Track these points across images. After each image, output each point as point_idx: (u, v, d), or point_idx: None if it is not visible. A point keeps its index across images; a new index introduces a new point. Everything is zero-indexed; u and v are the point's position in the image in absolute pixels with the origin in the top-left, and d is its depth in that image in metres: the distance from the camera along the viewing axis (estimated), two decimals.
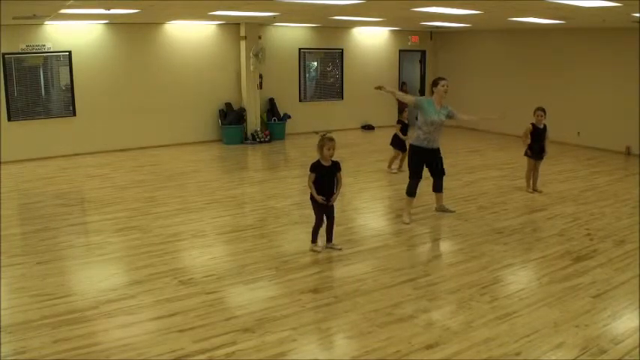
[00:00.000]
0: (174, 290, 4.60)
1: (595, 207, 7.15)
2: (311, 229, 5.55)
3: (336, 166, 5.39)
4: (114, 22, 10.77)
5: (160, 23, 11.44)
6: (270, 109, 12.87)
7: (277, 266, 5.16)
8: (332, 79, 14.19)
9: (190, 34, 11.82)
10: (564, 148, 11.30)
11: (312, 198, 5.38)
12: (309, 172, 5.34)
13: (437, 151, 6.46)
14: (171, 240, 5.93)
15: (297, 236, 5.61)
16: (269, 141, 12.47)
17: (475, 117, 7.36)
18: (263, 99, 12.73)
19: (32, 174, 9.34)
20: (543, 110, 7.58)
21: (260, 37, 12.23)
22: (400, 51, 14.89)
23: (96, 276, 4.96)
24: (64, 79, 10.81)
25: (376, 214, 7.22)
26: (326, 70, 14.14)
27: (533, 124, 7.60)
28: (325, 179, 5.34)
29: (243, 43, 12.15)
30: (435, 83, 6.41)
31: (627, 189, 8.11)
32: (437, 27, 13.27)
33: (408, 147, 6.65)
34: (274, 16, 10.34)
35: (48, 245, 5.76)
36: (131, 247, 5.70)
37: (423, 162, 6.45)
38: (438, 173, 6.58)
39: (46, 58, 10.55)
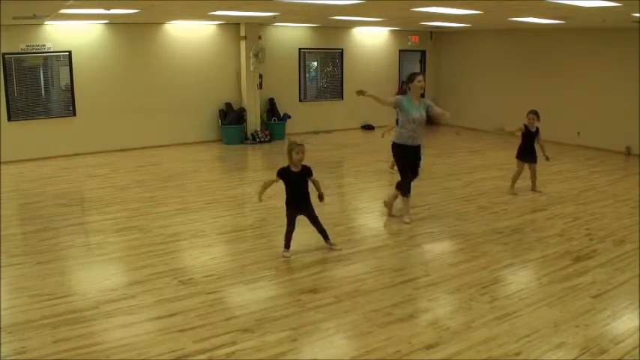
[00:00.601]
0: (174, 290, 4.60)
1: (595, 207, 7.15)
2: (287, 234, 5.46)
3: (306, 172, 5.29)
4: (114, 22, 10.76)
5: (160, 23, 11.44)
6: (270, 109, 12.87)
7: (277, 266, 5.16)
8: (332, 79, 14.19)
9: (190, 34, 11.82)
10: (564, 148, 11.30)
11: (286, 203, 5.33)
12: (274, 176, 5.28)
13: (419, 149, 6.41)
14: (171, 240, 5.93)
15: (296, 236, 5.59)
16: (269, 141, 12.47)
17: (446, 120, 6.80)
18: (263, 99, 12.73)
19: (32, 174, 9.34)
20: (536, 113, 7.57)
21: (260, 37, 12.23)
22: (400, 51, 14.89)
23: (96, 276, 4.96)
24: (64, 79, 10.81)
25: (376, 214, 7.21)
26: (326, 70, 14.14)
27: (525, 126, 7.61)
28: (296, 185, 5.28)
29: (243, 43, 12.15)
30: (410, 79, 6.30)
31: (627, 189, 8.11)
32: (437, 27, 13.27)
33: (392, 148, 6.51)
34: (274, 16, 10.33)
35: (48, 245, 5.76)
36: (131, 247, 5.70)
37: (409, 159, 6.37)
38: (414, 172, 6.48)
39: (46, 58, 10.55)
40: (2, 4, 6.65)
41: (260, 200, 5.40)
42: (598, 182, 8.59)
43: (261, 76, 12.36)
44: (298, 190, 5.30)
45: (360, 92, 6.36)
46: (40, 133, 10.51)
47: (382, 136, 9.44)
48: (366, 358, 3.58)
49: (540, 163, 7.81)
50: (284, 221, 5.43)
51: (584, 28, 11.14)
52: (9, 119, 10.18)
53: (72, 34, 10.56)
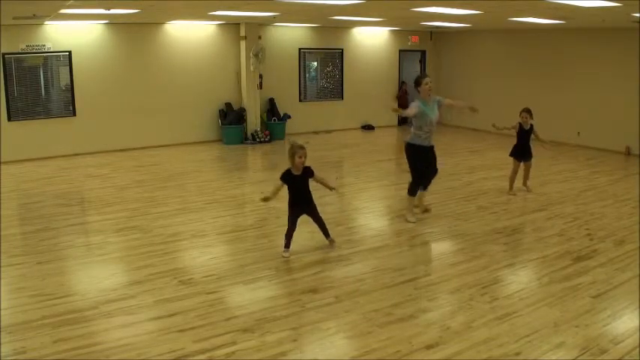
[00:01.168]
0: (174, 290, 4.60)
1: (595, 207, 7.15)
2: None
3: (308, 173, 5.32)
4: (114, 22, 10.77)
5: (160, 23, 11.44)
6: (270, 109, 12.87)
7: (277, 266, 5.16)
8: (332, 79, 14.19)
9: (190, 34, 11.83)
10: (564, 148, 11.30)
11: (289, 205, 5.35)
12: (279, 181, 5.30)
13: (432, 149, 6.49)
14: (171, 240, 5.93)
15: (296, 236, 5.60)
16: (269, 141, 12.47)
17: (460, 103, 7.03)
18: (263, 99, 12.73)
19: (32, 174, 9.34)
20: (528, 112, 7.58)
21: (260, 37, 12.23)
22: (400, 51, 14.90)
23: (96, 276, 4.96)
24: (64, 79, 10.81)
25: (376, 214, 7.21)
26: (326, 70, 14.14)
27: (519, 124, 7.62)
28: (298, 188, 5.31)
29: (243, 43, 12.15)
30: (417, 83, 6.34)
31: (627, 189, 8.11)
32: (437, 27, 13.27)
33: (405, 149, 6.56)
34: (274, 16, 10.33)
35: (48, 245, 5.76)
36: (131, 247, 5.70)
37: (424, 161, 6.43)
38: (433, 169, 6.57)
39: (46, 58, 10.55)
40: (2, 4, 6.65)
41: (266, 201, 5.37)
42: (598, 182, 8.59)
43: (261, 76, 12.36)
44: (300, 193, 5.33)
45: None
46: (40, 133, 10.51)
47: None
48: (366, 358, 3.58)
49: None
50: (284, 221, 5.44)
51: (584, 28, 11.14)
52: (9, 119, 10.18)
53: (72, 34, 10.56)
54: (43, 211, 7.12)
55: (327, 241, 5.61)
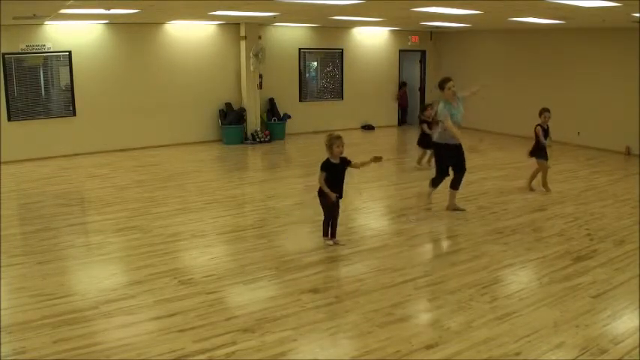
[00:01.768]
0: (174, 290, 4.60)
1: (595, 207, 7.15)
2: (321, 226, 5.73)
3: (345, 163, 5.52)
4: (114, 22, 10.76)
5: (160, 23, 11.44)
6: (270, 109, 12.87)
7: (277, 266, 5.16)
8: (332, 79, 14.19)
9: (190, 34, 11.82)
10: (564, 148, 11.30)
11: (320, 194, 5.51)
12: (319, 171, 5.44)
13: (460, 147, 6.72)
14: (171, 240, 5.93)
15: (297, 236, 5.62)
16: (269, 141, 12.47)
17: (470, 92, 7.16)
18: (263, 99, 12.73)
19: (32, 174, 9.34)
20: (549, 111, 7.60)
21: (260, 37, 12.23)
22: (400, 51, 14.89)
23: (96, 276, 4.96)
24: (64, 79, 10.81)
25: (376, 214, 7.22)
26: (326, 70, 14.14)
27: (541, 125, 7.57)
28: (335, 177, 5.47)
29: (243, 43, 12.15)
30: (441, 86, 6.60)
31: (627, 189, 8.11)
32: (437, 27, 13.27)
33: (433, 146, 6.96)
34: (274, 16, 10.34)
35: (48, 245, 5.76)
36: (131, 247, 5.70)
37: (450, 158, 6.72)
38: (460, 168, 6.78)
39: (46, 58, 10.55)
40: (2, 4, 6.65)
41: (334, 195, 5.44)
42: (598, 182, 8.59)
43: (261, 76, 12.36)
44: (337, 182, 5.49)
45: (451, 129, 6.51)
46: (40, 133, 10.51)
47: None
48: (366, 358, 3.58)
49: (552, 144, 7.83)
50: (284, 221, 5.46)
51: (584, 28, 11.14)
52: (9, 119, 10.18)
53: (72, 34, 10.56)
54: (43, 211, 7.12)
55: (332, 239, 5.68)
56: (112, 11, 8.43)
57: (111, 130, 11.19)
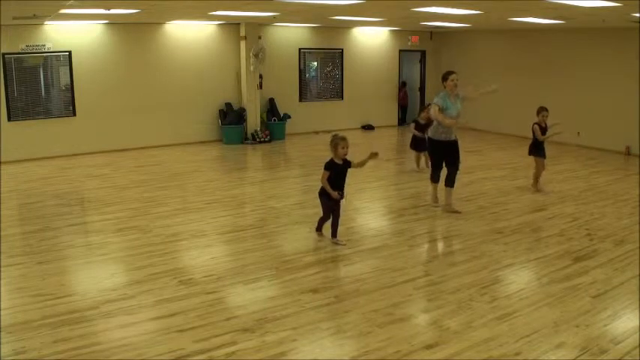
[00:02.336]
0: (174, 290, 4.60)
1: (595, 207, 7.15)
2: (317, 224, 5.82)
3: (347, 164, 5.58)
4: (114, 22, 10.77)
5: (160, 23, 11.44)
6: (270, 109, 12.87)
7: (277, 266, 5.16)
8: (332, 79, 14.19)
9: (190, 34, 11.83)
10: (564, 148, 11.30)
11: (321, 194, 5.56)
12: (323, 170, 5.51)
13: (455, 143, 6.75)
14: (171, 240, 5.93)
15: (297, 236, 5.62)
16: (269, 141, 12.47)
17: (478, 93, 7.16)
18: (263, 99, 12.73)
19: (32, 174, 9.34)
20: (547, 110, 7.61)
21: (260, 37, 12.23)
22: (400, 51, 14.90)
23: (96, 276, 4.96)
24: (64, 79, 10.81)
25: (376, 214, 7.22)
26: (326, 70, 14.14)
27: (539, 124, 7.58)
28: (338, 177, 5.53)
29: (243, 43, 12.15)
30: (444, 78, 6.64)
31: (627, 189, 8.11)
32: (437, 27, 13.27)
33: (427, 143, 7.04)
34: (274, 16, 10.33)
35: (48, 245, 5.76)
36: (131, 247, 5.70)
37: (443, 154, 6.78)
38: (453, 164, 6.78)
39: (46, 58, 10.55)
40: (2, 4, 6.65)
41: (336, 193, 5.49)
42: (598, 182, 8.59)
43: (261, 76, 12.36)
44: (340, 182, 5.55)
45: (441, 116, 6.50)
46: (40, 133, 10.51)
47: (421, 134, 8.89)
48: (366, 358, 3.58)
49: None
50: (284, 221, 5.46)
51: (584, 28, 11.14)
52: (9, 119, 10.18)
53: (72, 34, 10.56)
54: (43, 211, 7.12)
55: (332, 238, 5.71)
56: (112, 11, 8.43)
57: (111, 130, 11.19)
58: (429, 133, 6.88)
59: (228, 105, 12.37)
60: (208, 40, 12.08)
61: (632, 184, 8.44)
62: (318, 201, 5.62)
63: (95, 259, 5.41)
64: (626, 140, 10.93)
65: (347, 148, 5.49)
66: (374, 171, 9.49)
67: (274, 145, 12.25)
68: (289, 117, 12.93)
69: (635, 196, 7.66)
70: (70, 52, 10.61)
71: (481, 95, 7.13)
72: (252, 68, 12.06)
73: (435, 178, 7.03)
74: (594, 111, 11.45)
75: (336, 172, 5.52)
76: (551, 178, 8.69)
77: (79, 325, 3.98)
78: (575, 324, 3.97)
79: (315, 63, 14.02)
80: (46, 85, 10.77)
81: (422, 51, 15.25)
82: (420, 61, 15.43)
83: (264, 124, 12.71)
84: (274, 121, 12.75)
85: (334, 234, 5.70)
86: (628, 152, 10.94)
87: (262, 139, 12.37)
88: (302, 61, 13.50)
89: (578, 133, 11.76)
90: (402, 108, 15.46)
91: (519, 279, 4.91)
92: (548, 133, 7.50)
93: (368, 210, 7.33)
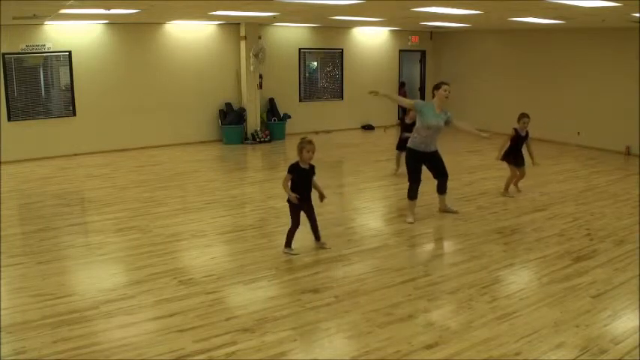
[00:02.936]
0: (174, 290, 4.60)
1: (595, 207, 7.14)
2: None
3: (312, 170, 5.38)
4: (114, 22, 10.77)
5: (160, 23, 11.44)
6: (270, 109, 12.87)
7: (277, 266, 5.16)
8: (332, 79, 14.19)
9: (190, 34, 11.83)
10: (564, 148, 11.30)
11: (289, 201, 5.33)
12: (286, 173, 5.32)
13: (435, 153, 6.46)
14: (171, 240, 5.93)
15: (297, 236, 5.60)
16: (269, 141, 12.47)
17: (470, 129, 6.82)
18: (263, 99, 12.73)
19: (32, 174, 9.34)
20: (529, 117, 7.56)
21: (260, 37, 12.23)
22: (400, 51, 14.90)
23: (96, 276, 4.96)
24: (64, 79, 10.82)
25: (376, 214, 7.21)
26: (326, 70, 14.14)
27: (516, 130, 7.56)
28: (302, 181, 5.33)
29: (243, 43, 12.16)
30: (437, 87, 6.38)
31: (627, 189, 8.11)
32: (437, 27, 13.27)
33: (406, 151, 6.62)
34: (274, 16, 10.34)
35: (48, 245, 5.76)
36: (131, 247, 5.70)
37: (420, 165, 6.44)
38: (441, 174, 6.58)
39: (46, 58, 10.56)
40: (2, 4, 6.65)
41: (294, 195, 5.27)
42: (598, 182, 8.59)
43: (261, 76, 12.36)
44: (304, 187, 5.35)
45: (374, 92, 6.41)
46: (40, 133, 10.52)
47: (384, 131, 9.95)
48: (366, 358, 3.58)
49: (540, 163, 7.80)
50: (284, 221, 5.45)
51: (584, 28, 11.14)
52: (9, 119, 10.19)
53: (72, 34, 10.56)
54: (43, 211, 7.12)
55: (317, 242, 5.59)
56: (112, 11, 8.43)
57: (111, 130, 11.19)
58: (409, 142, 6.48)
59: (228, 105, 12.37)
60: (208, 40, 12.08)
61: (632, 184, 8.44)
62: (318, 201, 5.60)
63: (95, 259, 5.41)
64: (626, 140, 10.93)
65: (312, 152, 5.24)
66: (374, 171, 9.49)
67: (274, 145, 12.25)
68: (289, 117, 12.93)
69: (635, 196, 7.66)
70: (70, 52, 10.61)
71: (472, 134, 6.84)
72: (252, 68, 12.06)
73: (412, 195, 6.44)
74: (594, 111, 11.45)
75: (300, 177, 5.29)
76: (552, 179, 8.69)
77: (79, 325, 3.98)
78: (575, 324, 3.97)
79: (315, 63, 14.02)
80: (46, 85, 10.77)
81: (422, 51, 15.25)
82: (420, 61, 15.43)
83: (264, 124, 12.71)
84: (274, 121, 12.75)
85: (317, 237, 5.56)
86: (628, 152, 10.94)
87: (262, 139, 12.37)
88: (302, 61, 13.50)
89: (578, 133, 11.77)
90: (402, 108, 15.44)
91: (519, 279, 4.91)
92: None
93: (368, 210, 7.32)
